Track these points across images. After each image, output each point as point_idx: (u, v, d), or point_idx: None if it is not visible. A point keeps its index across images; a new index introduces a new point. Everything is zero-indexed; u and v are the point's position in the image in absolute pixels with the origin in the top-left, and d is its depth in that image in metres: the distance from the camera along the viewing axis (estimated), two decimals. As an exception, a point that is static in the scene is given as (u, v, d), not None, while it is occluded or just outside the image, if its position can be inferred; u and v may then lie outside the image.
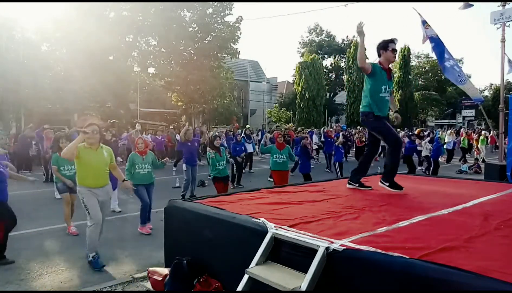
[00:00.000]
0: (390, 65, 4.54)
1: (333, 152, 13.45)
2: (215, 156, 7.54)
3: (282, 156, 8.19)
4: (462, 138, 19.64)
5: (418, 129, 17.87)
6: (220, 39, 26.24)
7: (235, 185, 11.32)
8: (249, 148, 13.85)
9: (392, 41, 4.41)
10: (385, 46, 4.40)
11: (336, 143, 11.58)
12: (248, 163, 14.38)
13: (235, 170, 11.56)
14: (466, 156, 18.50)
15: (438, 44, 8.74)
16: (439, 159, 14.09)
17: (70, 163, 6.31)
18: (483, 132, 20.52)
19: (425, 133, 18.73)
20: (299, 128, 23.12)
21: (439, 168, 13.55)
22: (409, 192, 4.53)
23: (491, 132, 21.45)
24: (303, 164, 9.79)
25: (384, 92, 4.38)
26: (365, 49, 4.31)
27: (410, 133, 17.58)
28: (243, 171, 12.35)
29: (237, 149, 11.64)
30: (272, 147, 8.44)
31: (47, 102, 23.27)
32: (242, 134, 14.29)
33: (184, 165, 9.24)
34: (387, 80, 4.39)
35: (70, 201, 6.48)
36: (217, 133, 11.19)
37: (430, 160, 13.46)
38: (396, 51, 4.47)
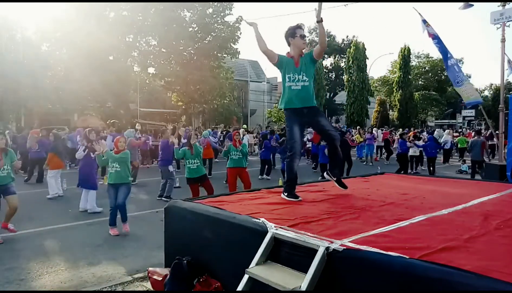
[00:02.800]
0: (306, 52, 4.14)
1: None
2: (185, 154, 7.27)
3: (238, 153, 8.25)
4: (458, 138, 19.63)
5: (411, 132, 18.04)
6: (220, 39, 26.25)
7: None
8: None
9: (299, 27, 4.13)
10: (293, 33, 4.11)
11: (315, 143, 11.79)
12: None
13: None
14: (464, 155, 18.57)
15: (440, 42, 8.78)
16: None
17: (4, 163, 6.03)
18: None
19: (423, 134, 18.88)
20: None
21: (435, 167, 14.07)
22: (409, 192, 4.54)
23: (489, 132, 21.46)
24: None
25: (290, 81, 4.06)
26: (261, 37, 4.01)
27: (401, 132, 17.69)
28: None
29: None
30: (230, 146, 8.43)
31: (47, 102, 23.30)
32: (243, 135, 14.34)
33: (170, 166, 9.16)
34: (294, 68, 4.06)
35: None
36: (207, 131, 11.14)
37: (420, 159, 14.11)
38: (305, 36, 4.16)
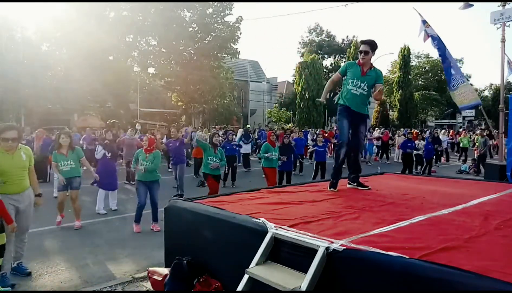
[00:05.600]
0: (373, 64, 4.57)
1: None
2: (207, 147, 7.56)
3: (275, 153, 8.66)
4: (460, 138, 19.64)
5: (414, 131, 18.11)
6: (220, 39, 26.26)
7: (225, 185, 11.24)
8: (247, 149, 13.76)
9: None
10: (375, 48, 4.60)
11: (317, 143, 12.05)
12: (240, 163, 14.21)
13: (226, 169, 11.50)
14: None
15: (439, 43, 8.77)
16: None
17: (66, 159, 6.40)
18: (478, 132, 20.62)
19: (425, 134, 18.97)
20: (291, 127, 23.15)
21: (431, 167, 14.23)
22: (409, 192, 4.53)
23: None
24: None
25: (351, 85, 4.48)
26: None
27: (407, 132, 17.74)
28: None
29: (227, 147, 11.55)
30: (268, 146, 8.79)
31: (47, 102, 23.29)
32: (240, 134, 14.39)
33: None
34: (360, 75, 4.46)
35: (65, 199, 6.57)
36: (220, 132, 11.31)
37: (422, 159, 14.19)
38: (361, 52, 4.54)
